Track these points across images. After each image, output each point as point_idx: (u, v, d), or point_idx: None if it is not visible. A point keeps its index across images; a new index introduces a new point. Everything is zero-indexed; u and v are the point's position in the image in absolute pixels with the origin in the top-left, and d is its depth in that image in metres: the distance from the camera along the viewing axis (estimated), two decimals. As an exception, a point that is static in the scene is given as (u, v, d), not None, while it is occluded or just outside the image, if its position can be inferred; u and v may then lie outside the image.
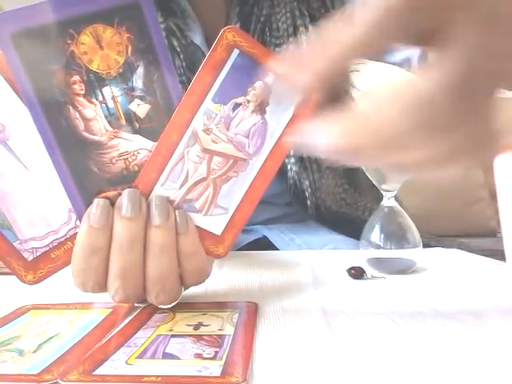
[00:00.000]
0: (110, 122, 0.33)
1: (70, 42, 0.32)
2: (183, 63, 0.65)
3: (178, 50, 0.65)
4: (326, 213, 0.73)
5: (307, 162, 0.70)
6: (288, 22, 0.67)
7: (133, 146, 0.34)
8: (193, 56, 0.66)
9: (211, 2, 0.68)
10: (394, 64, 0.72)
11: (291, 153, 0.68)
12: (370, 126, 0.23)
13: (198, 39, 0.67)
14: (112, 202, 0.32)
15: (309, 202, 0.70)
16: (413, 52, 0.67)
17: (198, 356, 0.28)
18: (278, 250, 0.69)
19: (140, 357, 0.28)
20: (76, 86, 0.32)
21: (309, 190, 0.70)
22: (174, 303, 0.36)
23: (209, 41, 0.67)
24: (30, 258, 0.34)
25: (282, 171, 0.70)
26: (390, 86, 0.24)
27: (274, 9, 0.67)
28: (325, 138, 0.24)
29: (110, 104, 0.33)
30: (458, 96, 0.22)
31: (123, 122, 0.33)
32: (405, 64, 0.70)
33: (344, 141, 0.24)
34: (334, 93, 0.26)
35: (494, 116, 0.24)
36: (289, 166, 0.69)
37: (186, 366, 0.26)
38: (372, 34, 0.22)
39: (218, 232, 0.34)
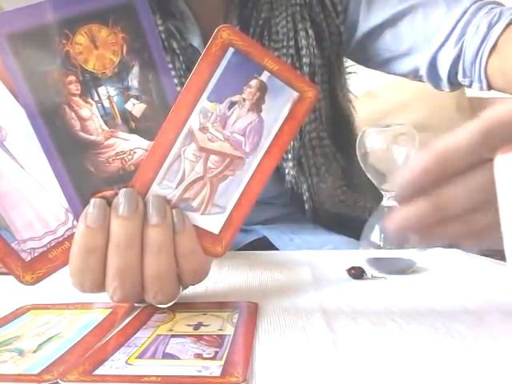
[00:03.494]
0: (106, 122, 0.33)
1: (65, 42, 0.32)
2: (183, 65, 0.66)
3: (178, 52, 0.65)
4: (325, 215, 0.72)
5: (305, 166, 0.70)
6: (288, 25, 0.67)
7: (129, 146, 0.34)
8: (192, 58, 0.66)
9: (210, 4, 0.68)
10: (401, 74, 0.72)
11: (289, 156, 0.68)
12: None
13: (196, 41, 0.67)
14: (109, 202, 0.32)
15: (306, 206, 0.70)
16: (420, 62, 0.67)
17: (198, 356, 0.28)
18: (277, 250, 0.69)
19: (140, 357, 0.28)
20: (72, 86, 0.32)
21: (306, 193, 0.70)
22: (172, 303, 0.35)
23: (207, 43, 0.67)
24: (28, 259, 0.34)
25: (280, 175, 0.69)
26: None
27: (274, 12, 0.67)
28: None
29: (106, 104, 0.33)
30: None
31: (119, 121, 0.33)
32: (412, 74, 0.70)
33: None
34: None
35: None
36: (287, 170, 0.69)
37: (185, 366, 0.26)
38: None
39: (216, 231, 0.34)
